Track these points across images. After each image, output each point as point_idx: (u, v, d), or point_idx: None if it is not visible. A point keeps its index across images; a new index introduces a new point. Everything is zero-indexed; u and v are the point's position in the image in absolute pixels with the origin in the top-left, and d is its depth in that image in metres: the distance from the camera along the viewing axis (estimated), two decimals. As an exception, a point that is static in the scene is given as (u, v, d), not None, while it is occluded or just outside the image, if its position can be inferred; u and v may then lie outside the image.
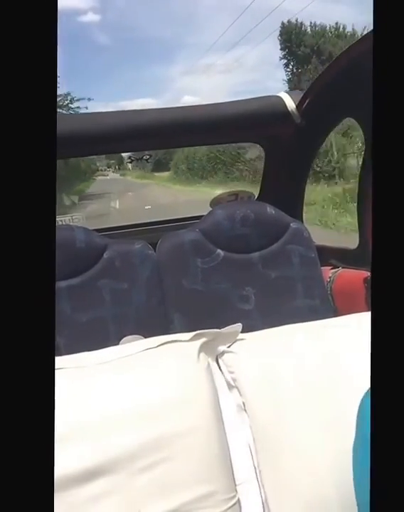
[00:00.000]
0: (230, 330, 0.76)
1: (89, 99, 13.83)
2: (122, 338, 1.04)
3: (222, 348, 0.75)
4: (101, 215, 7.12)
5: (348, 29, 15.89)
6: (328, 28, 16.34)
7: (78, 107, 13.17)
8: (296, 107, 1.26)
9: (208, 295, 1.16)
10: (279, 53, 17.04)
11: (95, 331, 1.08)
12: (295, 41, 16.46)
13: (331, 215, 6.63)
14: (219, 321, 0.81)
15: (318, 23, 16.33)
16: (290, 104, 1.26)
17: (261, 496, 0.63)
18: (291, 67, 17.09)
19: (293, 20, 16.39)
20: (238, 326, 0.75)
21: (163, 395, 0.64)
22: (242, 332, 0.76)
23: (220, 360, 0.75)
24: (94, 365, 0.70)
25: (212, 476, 0.60)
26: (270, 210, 1.24)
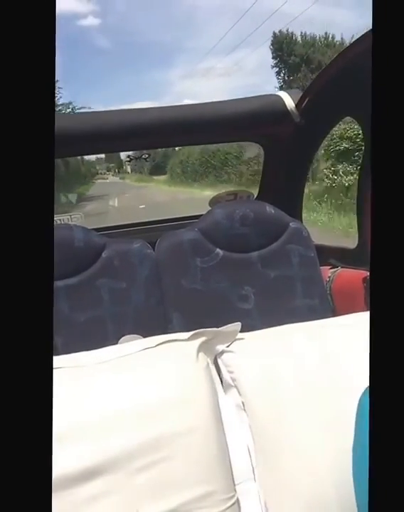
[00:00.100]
0: (229, 329, 0.75)
1: (89, 109, 13.96)
2: (121, 337, 1.04)
3: (221, 347, 0.75)
4: (100, 214, 7.73)
5: (337, 38, 16.95)
6: (317, 37, 17.41)
7: (80, 116, 13.30)
8: (296, 106, 1.26)
9: (207, 294, 1.16)
10: (272, 62, 18.14)
11: (93, 331, 1.08)
12: (286, 50, 17.57)
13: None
14: (218, 320, 0.81)
15: (309, 32, 17.42)
16: (289, 103, 1.26)
17: (260, 496, 0.63)
18: (282, 75, 18.25)
19: (284, 31, 17.54)
20: (237, 324, 0.75)
21: (162, 394, 0.64)
22: (241, 331, 0.76)
23: (219, 360, 0.75)
24: (93, 364, 0.70)
25: (211, 476, 0.60)
26: (269, 209, 1.23)
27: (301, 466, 0.61)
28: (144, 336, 0.81)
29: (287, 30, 17.41)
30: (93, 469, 0.56)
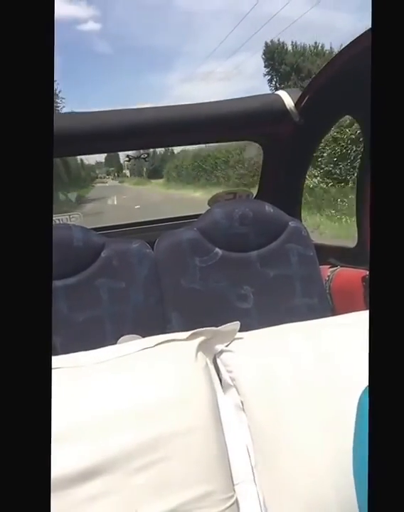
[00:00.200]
0: (228, 328, 0.75)
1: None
2: (120, 337, 1.04)
3: (220, 347, 0.75)
4: (98, 213, 8.28)
5: (327, 47, 17.73)
6: (307, 46, 18.29)
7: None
8: (295, 105, 1.26)
9: (206, 294, 1.16)
10: (264, 70, 19.11)
11: (92, 331, 1.08)
12: (277, 59, 18.57)
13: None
14: (217, 320, 0.80)
15: (300, 42, 18.37)
16: (289, 102, 1.26)
17: (259, 496, 0.63)
18: (274, 82, 19.28)
19: (275, 40, 18.64)
20: (236, 324, 0.75)
21: (161, 394, 0.64)
22: (240, 331, 0.76)
23: (218, 359, 0.74)
24: (91, 364, 0.69)
25: (210, 476, 0.60)
26: (269, 208, 1.23)
27: (299, 466, 0.61)
28: (143, 336, 0.81)
29: (278, 40, 18.41)
30: (92, 469, 0.56)
